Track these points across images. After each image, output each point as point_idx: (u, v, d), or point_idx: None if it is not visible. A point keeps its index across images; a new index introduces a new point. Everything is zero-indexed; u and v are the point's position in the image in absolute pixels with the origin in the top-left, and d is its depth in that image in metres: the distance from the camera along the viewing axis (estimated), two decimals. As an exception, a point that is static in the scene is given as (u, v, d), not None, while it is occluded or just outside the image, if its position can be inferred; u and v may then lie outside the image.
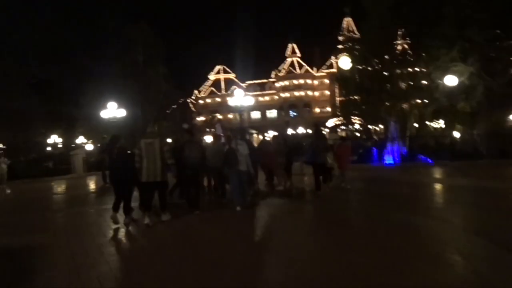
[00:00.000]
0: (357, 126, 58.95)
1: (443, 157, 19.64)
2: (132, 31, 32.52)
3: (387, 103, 27.30)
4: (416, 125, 27.97)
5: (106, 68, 33.16)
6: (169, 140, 15.37)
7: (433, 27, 19.31)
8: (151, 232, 8.02)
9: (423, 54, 19.99)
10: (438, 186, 13.06)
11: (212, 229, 8.05)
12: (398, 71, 26.12)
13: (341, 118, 60.26)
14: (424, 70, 19.84)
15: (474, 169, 16.68)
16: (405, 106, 26.79)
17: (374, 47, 26.36)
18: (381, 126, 34.64)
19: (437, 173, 16.57)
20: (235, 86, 79.44)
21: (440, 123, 30.04)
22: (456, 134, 27.70)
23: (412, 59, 24.56)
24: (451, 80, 17.67)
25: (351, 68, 31.06)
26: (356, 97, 29.61)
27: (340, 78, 32.20)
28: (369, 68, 28.01)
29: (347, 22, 75.15)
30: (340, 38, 78.97)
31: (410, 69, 25.68)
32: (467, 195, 10.96)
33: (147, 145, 8.23)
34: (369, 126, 42.55)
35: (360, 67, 29.08)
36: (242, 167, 9.71)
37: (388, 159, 27.06)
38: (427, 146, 24.17)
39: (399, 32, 25.74)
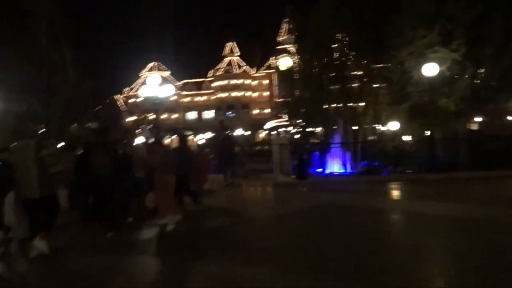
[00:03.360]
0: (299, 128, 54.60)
1: (419, 169, 15.16)
2: (34, 5, 25.24)
3: (336, 104, 22.89)
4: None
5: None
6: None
7: (405, 5, 14.88)
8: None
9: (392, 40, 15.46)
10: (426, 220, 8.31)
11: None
12: (351, 72, 21.79)
13: (280, 119, 56.09)
14: (395, 57, 15.31)
15: (457, 187, 12.32)
16: (359, 105, 22.48)
17: (324, 36, 21.87)
18: (319, 129, 30.31)
19: (415, 192, 11.94)
20: (170, 84, 72.64)
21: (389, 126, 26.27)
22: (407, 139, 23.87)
23: (364, 53, 20.09)
24: (431, 70, 13.37)
25: (299, 63, 26.46)
26: (303, 95, 24.98)
27: (285, 73, 27.30)
28: (314, 67, 23.52)
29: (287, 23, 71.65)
30: (280, 38, 75.68)
31: (364, 65, 21.34)
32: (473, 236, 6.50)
33: (20, 149, 6.12)
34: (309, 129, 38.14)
35: (307, 62, 24.53)
36: (139, 173, 8.43)
37: (336, 167, 22.52)
38: (385, 153, 19.71)
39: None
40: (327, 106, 22.88)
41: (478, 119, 34.41)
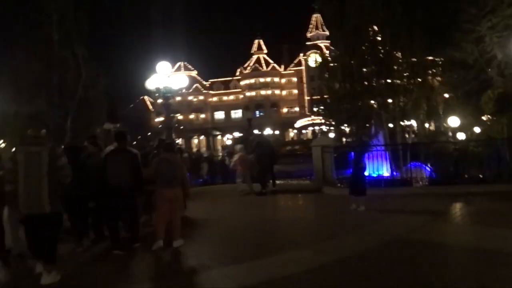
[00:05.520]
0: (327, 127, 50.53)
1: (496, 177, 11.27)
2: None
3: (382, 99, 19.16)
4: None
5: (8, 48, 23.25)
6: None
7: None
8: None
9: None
10: None
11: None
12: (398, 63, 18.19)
13: (311, 118, 52.36)
14: (471, 32, 11.45)
15: None
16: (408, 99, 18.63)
17: (364, 20, 18.28)
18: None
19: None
20: (197, 85, 70.19)
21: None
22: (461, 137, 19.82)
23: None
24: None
25: (335, 56, 22.85)
26: (342, 90, 21.36)
27: (321, 67, 23.57)
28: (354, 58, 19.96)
29: (316, 18, 67.66)
30: (309, 34, 71.69)
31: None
32: None
33: (29, 156, 5.06)
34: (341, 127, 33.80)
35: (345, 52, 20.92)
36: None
37: (377, 170, 18.76)
38: (446, 156, 15.95)
39: None
40: (372, 102, 19.20)
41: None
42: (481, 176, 13.68)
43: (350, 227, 7.54)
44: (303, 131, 64.24)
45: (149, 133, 48.31)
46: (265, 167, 11.58)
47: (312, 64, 62.12)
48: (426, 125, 21.87)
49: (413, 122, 21.18)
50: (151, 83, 11.28)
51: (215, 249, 6.54)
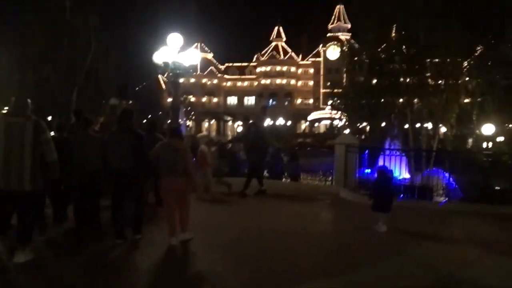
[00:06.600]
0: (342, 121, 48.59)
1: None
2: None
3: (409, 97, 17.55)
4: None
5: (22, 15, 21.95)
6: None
7: None
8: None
9: None
10: None
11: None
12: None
13: (328, 111, 50.59)
14: None
15: None
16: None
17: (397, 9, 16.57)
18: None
19: None
20: (212, 67, 68.61)
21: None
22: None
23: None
24: None
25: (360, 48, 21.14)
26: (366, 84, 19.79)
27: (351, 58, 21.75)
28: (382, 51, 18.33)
29: (339, 9, 65.31)
30: (330, 26, 69.42)
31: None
32: None
33: (10, 127, 4.64)
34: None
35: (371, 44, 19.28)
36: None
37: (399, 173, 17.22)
38: (476, 165, 14.27)
39: None
40: (396, 100, 17.62)
41: None
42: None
43: (381, 251, 6.11)
44: (315, 124, 62.59)
45: (160, 113, 46.95)
46: (254, 162, 9.50)
47: (334, 56, 60.08)
48: (444, 129, 20.23)
49: (432, 125, 19.56)
50: (159, 57, 9.86)
51: (224, 273, 5.14)
